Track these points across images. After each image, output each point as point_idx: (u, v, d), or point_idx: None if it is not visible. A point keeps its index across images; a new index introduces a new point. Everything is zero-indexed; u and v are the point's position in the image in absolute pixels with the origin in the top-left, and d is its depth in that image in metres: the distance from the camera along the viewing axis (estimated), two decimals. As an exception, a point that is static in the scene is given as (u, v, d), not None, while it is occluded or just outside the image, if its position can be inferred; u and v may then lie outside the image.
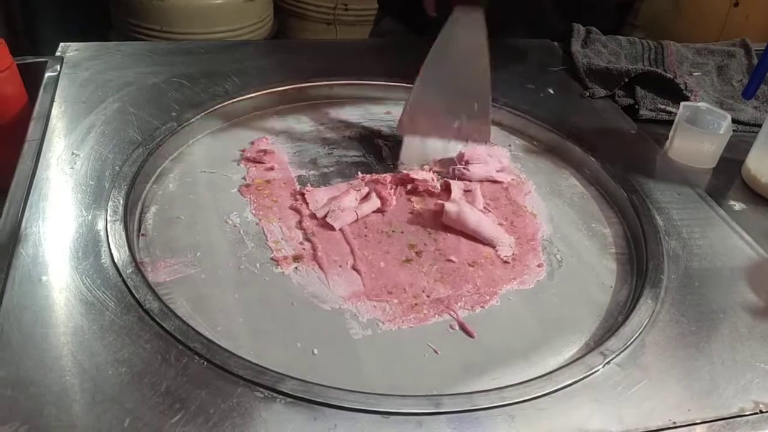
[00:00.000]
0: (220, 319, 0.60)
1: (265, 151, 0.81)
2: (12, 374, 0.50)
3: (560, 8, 1.20)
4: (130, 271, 0.60)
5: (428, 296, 0.65)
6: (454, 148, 0.83)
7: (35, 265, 0.60)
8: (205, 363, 0.53)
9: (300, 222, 0.72)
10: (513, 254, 0.71)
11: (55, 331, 0.54)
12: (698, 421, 0.54)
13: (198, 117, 0.84)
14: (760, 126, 0.87)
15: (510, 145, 0.89)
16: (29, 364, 0.51)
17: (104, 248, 0.62)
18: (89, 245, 0.63)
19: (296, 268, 0.66)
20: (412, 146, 0.82)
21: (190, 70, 0.94)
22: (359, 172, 0.79)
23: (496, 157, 0.83)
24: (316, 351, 0.58)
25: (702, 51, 1.19)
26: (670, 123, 0.92)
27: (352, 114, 0.94)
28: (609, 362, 0.58)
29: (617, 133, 0.94)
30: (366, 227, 0.73)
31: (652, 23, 1.51)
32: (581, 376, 0.56)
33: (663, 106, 1.00)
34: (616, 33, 1.22)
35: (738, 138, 0.93)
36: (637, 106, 1.00)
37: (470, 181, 0.80)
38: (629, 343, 0.60)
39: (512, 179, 0.83)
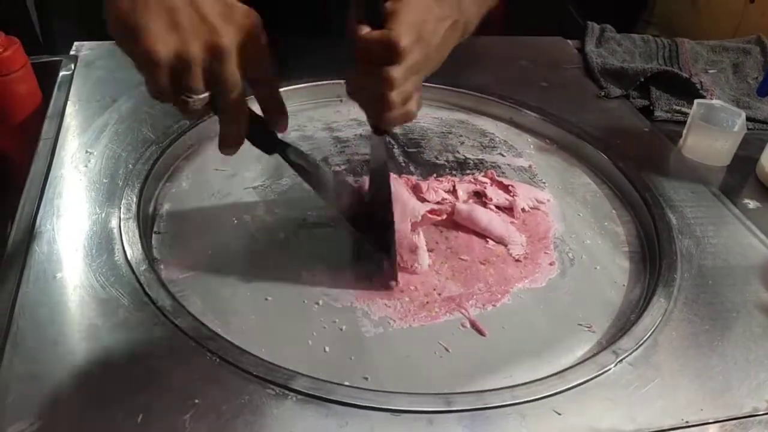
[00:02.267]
0: (232, 316, 0.60)
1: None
2: (27, 370, 0.51)
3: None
4: (143, 268, 0.61)
5: (439, 294, 0.65)
6: None
7: (50, 263, 0.60)
8: (218, 360, 0.53)
9: (312, 220, 0.72)
10: (525, 253, 0.71)
11: (70, 328, 0.55)
12: (711, 421, 0.54)
13: (210, 115, 0.83)
14: (775, 124, 0.87)
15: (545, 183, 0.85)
16: (44, 360, 0.52)
17: (117, 246, 0.63)
18: (103, 243, 0.63)
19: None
20: None
21: (202, 69, 0.94)
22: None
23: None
24: (327, 348, 0.58)
25: (717, 48, 1.18)
26: (685, 121, 0.91)
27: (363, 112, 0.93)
28: (621, 361, 0.57)
29: (631, 131, 0.94)
30: (377, 225, 0.73)
31: (667, 20, 1.50)
32: (593, 375, 0.56)
33: (678, 107, 0.99)
34: (631, 30, 1.21)
35: (753, 135, 0.92)
36: (652, 108, 0.99)
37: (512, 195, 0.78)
38: (642, 342, 0.59)
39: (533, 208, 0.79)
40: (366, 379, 0.56)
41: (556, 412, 0.53)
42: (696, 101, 0.90)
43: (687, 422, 0.53)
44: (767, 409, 0.55)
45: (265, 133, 0.61)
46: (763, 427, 0.54)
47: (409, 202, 0.70)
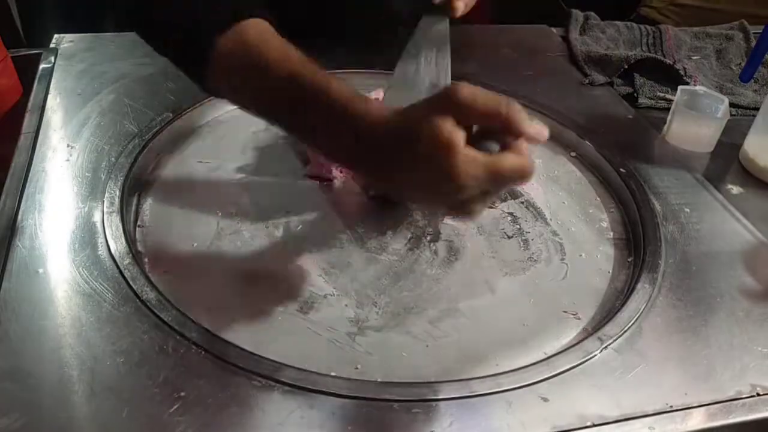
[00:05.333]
0: (217, 309, 0.60)
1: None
2: (10, 366, 0.50)
3: None
4: (127, 262, 0.60)
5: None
6: None
7: (32, 258, 0.60)
8: (203, 353, 0.53)
9: (297, 211, 0.72)
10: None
11: (53, 323, 0.54)
12: (695, 405, 0.54)
13: (193, 108, 0.83)
14: (758, 110, 0.87)
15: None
16: (27, 356, 0.51)
17: (101, 240, 0.62)
18: (86, 237, 0.63)
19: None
20: None
21: (185, 61, 0.93)
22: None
23: None
24: (313, 339, 0.58)
25: (700, 35, 1.18)
26: (668, 108, 0.92)
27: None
28: (606, 347, 0.58)
29: (615, 118, 0.94)
30: (363, 215, 0.73)
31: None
32: (579, 362, 0.56)
33: (662, 94, 0.99)
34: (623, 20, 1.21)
35: (736, 122, 0.92)
36: (636, 95, 1.00)
37: None
38: (626, 328, 0.60)
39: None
40: (357, 368, 0.56)
41: (542, 399, 0.53)
42: (680, 88, 0.90)
43: (672, 407, 0.54)
44: (751, 392, 0.56)
45: None
46: (746, 410, 0.54)
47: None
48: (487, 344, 0.59)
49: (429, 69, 0.71)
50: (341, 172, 0.76)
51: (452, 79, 0.96)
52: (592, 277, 0.68)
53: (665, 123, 0.91)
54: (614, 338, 0.59)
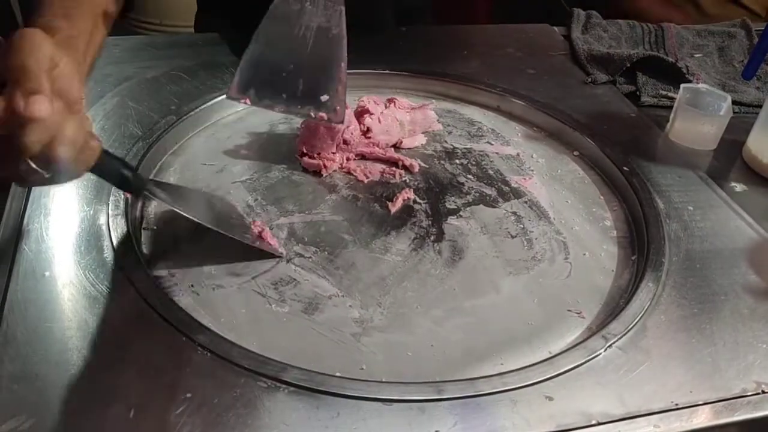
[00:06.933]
0: (223, 310, 0.60)
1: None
2: (17, 369, 0.51)
3: None
4: (132, 265, 0.61)
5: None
6: None
7: (38, 261, 0.60)
8: (209, 354, 0.53)
9: (301, 212, 0.72)
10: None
11: (60, 326, 0.55)
12: (700, 403, 0.54)
13: (197, 110, 0.84)
14: (761, 107, 0.87)
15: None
16: (34, 358, 0.52)
17: (106, 242, 0.63)
18: (91, 240, 0.63)
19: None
20: None
21: (188, 63, 0.94)
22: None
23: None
24: (318, 340, 0.58)
25: (702, 33, 1.18)
26: (671, 106, 0.92)
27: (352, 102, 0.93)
28: (611, 346, 0.58)
29: (618, 117, 0.94)
30: (367, 216, 0.73)
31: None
32: (583, 360, 0.56)
33: (665, 92, 0.99)
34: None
35: (739, 119, 0.92)
36: (638, 93, 1.00)
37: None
38: (631, 326, 0.60)
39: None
40: (362, 369, 0.56)
41: (547, 398, 0.53)
42: (682, 86, 0.90)
43: (677, 405, 0.54)
44: (756, 389, 0.56)
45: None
46: (751, 407, 0.54)
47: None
48: (492, 343, 0.60)
49: (313, 22, 0.67)
50: (325, 166, 0.78)
51: (454, 80, 0.97)
52: (596, 275, 0.68)
53: (668, 121, 0.91)
54: (619, 336, 0.59)
